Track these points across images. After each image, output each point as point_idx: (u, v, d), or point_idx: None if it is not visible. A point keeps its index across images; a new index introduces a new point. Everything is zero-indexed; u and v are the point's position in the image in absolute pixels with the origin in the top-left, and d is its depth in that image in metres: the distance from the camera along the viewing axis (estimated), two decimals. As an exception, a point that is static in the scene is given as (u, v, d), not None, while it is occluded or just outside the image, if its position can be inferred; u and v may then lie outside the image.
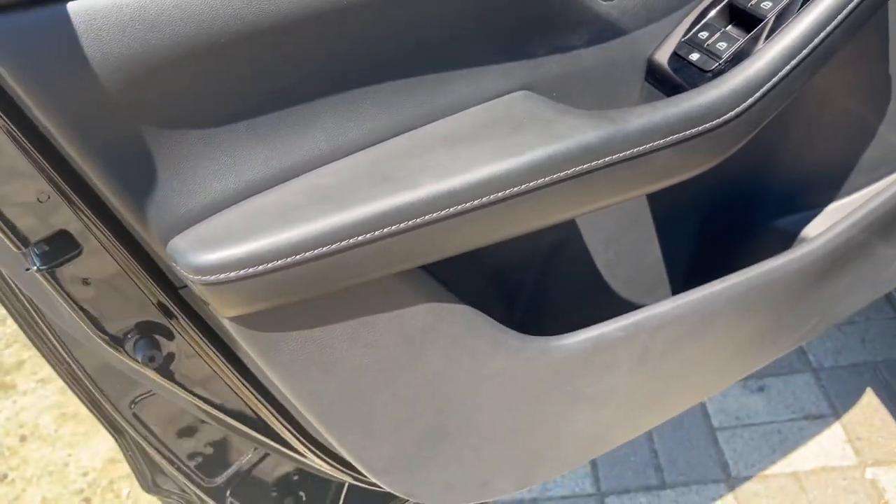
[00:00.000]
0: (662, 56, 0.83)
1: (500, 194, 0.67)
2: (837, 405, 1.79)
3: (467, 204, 0.66)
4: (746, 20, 0.80)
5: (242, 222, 0.62)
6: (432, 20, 0.68)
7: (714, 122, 0.73)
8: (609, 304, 1.03)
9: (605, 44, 0.80)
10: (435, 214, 0.65)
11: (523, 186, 0.68)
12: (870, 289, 1.18)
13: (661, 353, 0.91)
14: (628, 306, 1.05)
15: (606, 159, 0.70)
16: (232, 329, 0.65)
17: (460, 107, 0.75)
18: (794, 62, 0.74)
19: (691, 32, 0.81)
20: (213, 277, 0.60)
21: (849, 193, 1.07)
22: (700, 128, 0.73)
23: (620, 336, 0.87)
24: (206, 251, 0.60)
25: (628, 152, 0.71)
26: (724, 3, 0.81)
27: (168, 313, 0.68)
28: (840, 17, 0.73)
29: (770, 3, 0.77)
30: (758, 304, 0.97)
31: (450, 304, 0.75)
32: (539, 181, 0.68)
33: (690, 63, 0.80)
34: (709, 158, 0.78)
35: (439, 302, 0.75)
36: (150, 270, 0.65)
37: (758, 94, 0.74)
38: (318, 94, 0.66)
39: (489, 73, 0.75)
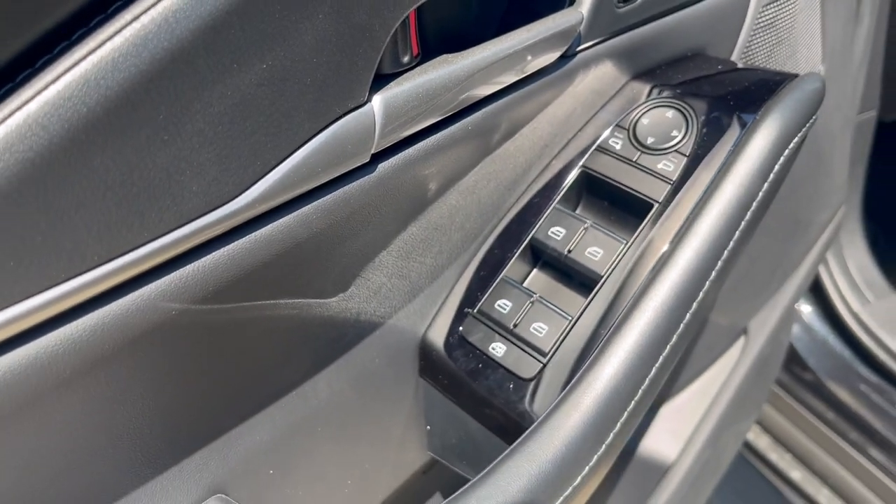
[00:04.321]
0: (438, 337, 0.50)
1: None
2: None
3: None
4: (563, 270, 0.49)
5: None
6: None
7: (573, 487, 0.41)
8: None
9: (347, 354, 0.45)
10: None
11: None
12: (714, 478, 0.97)
13: None
14: None
15: None
16: None
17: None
18: (669, 347, 0.44)
19: (482, 300, 0.49)
20: None
21: (684, 388, 0.83)
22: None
23: None
24: None
25: None
26: (522, 246, 0.49)
27: None
28: (720, 264, 0.45)
29: (601, 252, 0.47)
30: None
31: None
32: None
33: (495, 362, 0.47)
34: None
35: None
36: None
37: (627, 413, 0.43)
38: None
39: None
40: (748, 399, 0.91)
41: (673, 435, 0.79)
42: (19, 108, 0.24)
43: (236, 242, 0.32)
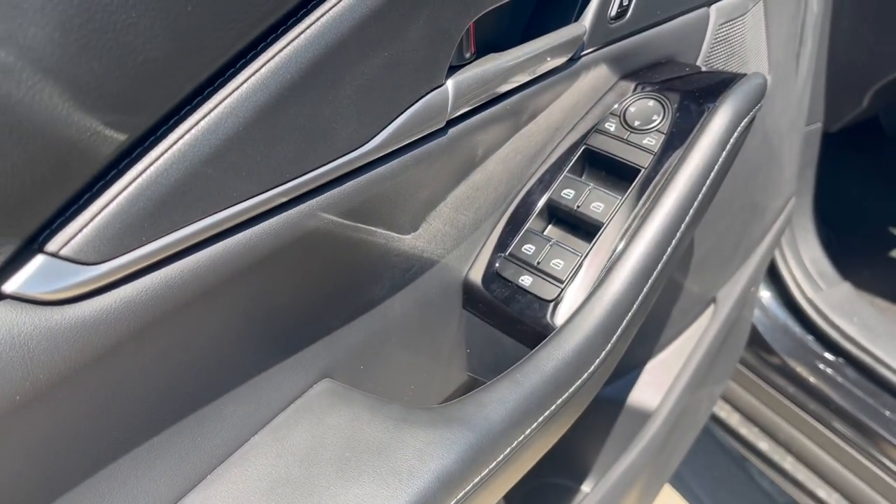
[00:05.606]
0: (477, 275, 0.64)
1: None
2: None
3: None
4: (573, 222, 0.64)
5: None
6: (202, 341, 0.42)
7: (588, 372, 0.55)
8: None
9: (413, 283, 0.59)
10: None
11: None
12: (690, 433, 1.11)
13: None
14: None
15: (476, 480, 0.49)
16: None
17: (244, 432, 0.49)
18: (656, 273, 0.59)
19: (511, 245, 0.63)
20: None
21: (664, 348, 0.98)
22: (575, 385, 0.55)
23: None
24: None
25: (500, 458, 0.50)
26: (541, 204, 0.64)
27: None
28: (692, 212, 0.60)
29: (602, 206, 0.62)
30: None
31: None
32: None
33: (524, 290, 0.61)
34: (577, 413, 0.60)
35: None
36: None
37: (625, 322, 0.58)
38: None
39: (277, 377, 0.50)
40: (718, 362, 1.06)
41: (654, 387, 0.94)
42: (256, 71, 0.39)
43: (364, 176, 0.47)
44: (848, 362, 1.34)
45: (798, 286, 1.38)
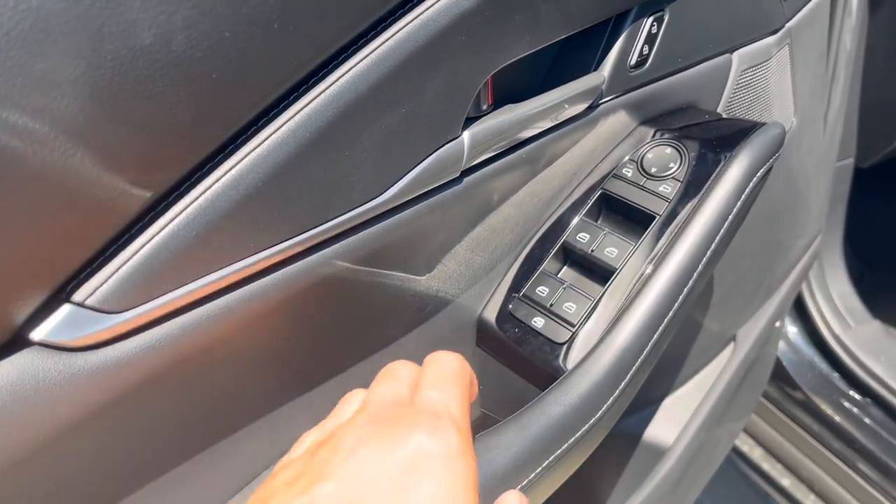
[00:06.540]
0: (491, 315, 0.66)
1: None
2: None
3: None
4: (587, 265, 0.65)
5: None
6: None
7: (595, 418, 0.56)
8: None
9: (427, 322, 0.60)
10: None
11: None
12: (708, 469, 1.11)
13: None
14: None
15: (479, 524, 0.50)
16: None
17: (256, 467, 0.50)
18: (666, 320, 0.59)
19: (526, 287, 0.65)
20: None
21: (681, 385, 0.98)
22: (581, 431, 0.56)
23: None
24: None
25: None
26: (556, 247, 0.65)
27: None
28: (704, 260, 0.60)
29: (616, 251, 0.63)
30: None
31: None
32: None
33: (536, 331, 0.62)
34: (584, 457, 0.61)
35: None
36: None
37: (635, 368, 0.58)
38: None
39: (290, 414, 0.52)
40: (738, 399, 1.06)
41: (671, 423, 0.94)
42: (276, 130, 0.41)
43: (378, 225, 0.49)
44: (874, 402, 1.32)
45: (826, 322, 1.36)
